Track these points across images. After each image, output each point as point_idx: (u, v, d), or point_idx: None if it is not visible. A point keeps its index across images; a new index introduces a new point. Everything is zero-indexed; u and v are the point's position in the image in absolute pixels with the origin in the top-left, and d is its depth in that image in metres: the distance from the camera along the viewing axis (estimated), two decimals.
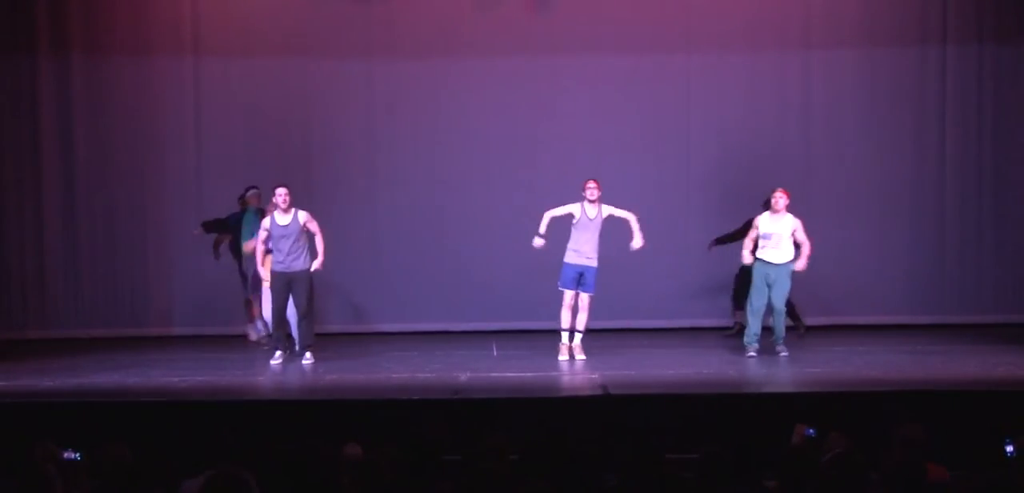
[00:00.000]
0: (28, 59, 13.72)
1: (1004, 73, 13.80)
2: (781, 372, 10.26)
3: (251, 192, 12.55)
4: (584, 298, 11.08)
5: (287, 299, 11.00)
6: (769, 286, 10.99)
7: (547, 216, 11.09)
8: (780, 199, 11.05)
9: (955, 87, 13.81)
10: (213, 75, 13.87)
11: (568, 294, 11.08)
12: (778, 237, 11.00)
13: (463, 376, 10.27)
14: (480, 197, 13.61)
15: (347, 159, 13.70)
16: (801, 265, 11.04)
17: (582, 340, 11.19)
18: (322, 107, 13.90)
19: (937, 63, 13.83)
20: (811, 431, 6.35)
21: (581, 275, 11.06)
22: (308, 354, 11.06)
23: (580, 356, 11.09)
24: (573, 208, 11.08)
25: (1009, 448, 5.81)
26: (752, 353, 10.99)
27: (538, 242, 11.09)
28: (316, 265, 10.99)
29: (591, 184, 11.09)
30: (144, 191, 13.90)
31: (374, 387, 10.07)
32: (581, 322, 11.15)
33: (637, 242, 11.08)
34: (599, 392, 9.21)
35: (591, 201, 11.05)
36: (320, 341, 11.68)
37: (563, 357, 11.10)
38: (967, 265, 13.89)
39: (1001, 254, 13.89)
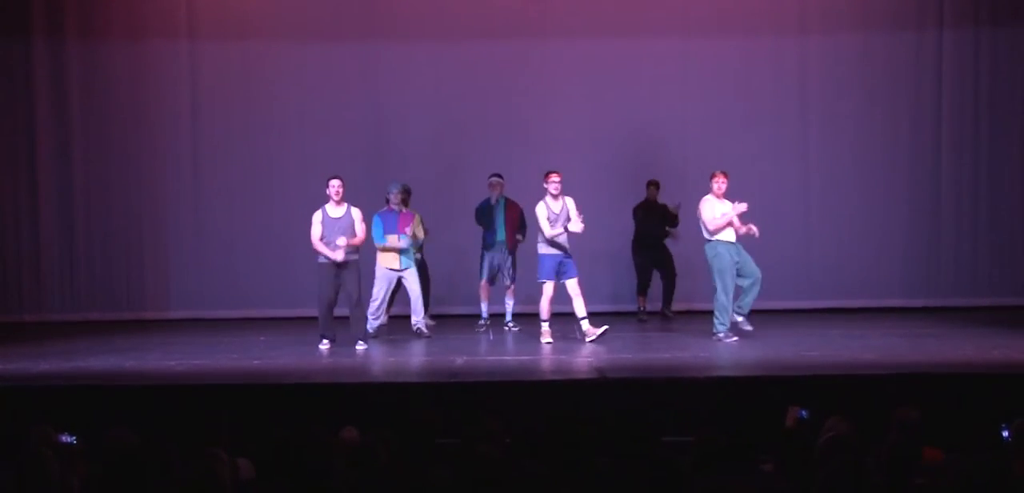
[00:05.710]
0: (23, 43, 13.70)
1: (1000, 58, 13.83)
2: (777, 355, 10.25)
3: (494, 179, 12.29)
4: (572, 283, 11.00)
5: (338, 290, 10.87)
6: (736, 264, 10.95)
7: (553, 228, 10.95)
8: (723, 182, 10.98)
9: (951, 72, 13.83)
10: (209, 59, 13.87)
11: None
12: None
13: (459, 360, 10.27)
14: (480, 180, 13.58)
15: (343, 143, 13.68)
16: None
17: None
18: (318, 91, 13.89)
19: (933, 48, 13.84)
20: (803, 412, 6.36)
21: (561, 264, 11.01)
22: (360, 343, 10.99)
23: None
24: (546, 205, 10.95)
25: (1005, 432, 5.83)
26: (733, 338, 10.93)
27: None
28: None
29: (555, 177, 11.02)
30: (140, 175, 13.90)
31: (371, 371, 10.07)
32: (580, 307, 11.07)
33: (576, 226, 10.91)
34: (595, 376, 9.21)
35: (555, 195, 10.99)
36: (304, 322, 11.68)
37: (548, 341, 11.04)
38: (963, 248, 13.92)
39: (996, 237, 13.93)
